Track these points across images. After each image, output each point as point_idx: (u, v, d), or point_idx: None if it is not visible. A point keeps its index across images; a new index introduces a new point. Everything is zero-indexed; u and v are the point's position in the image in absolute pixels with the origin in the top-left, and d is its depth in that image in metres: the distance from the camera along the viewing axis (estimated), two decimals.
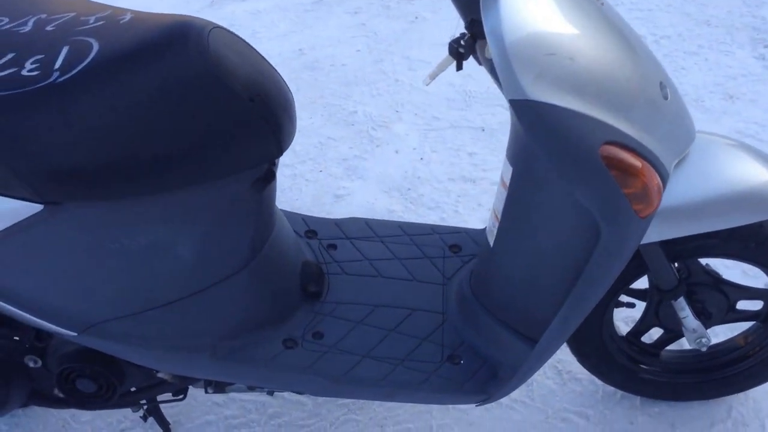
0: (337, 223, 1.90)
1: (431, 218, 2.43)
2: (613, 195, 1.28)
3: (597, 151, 1.24)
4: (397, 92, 2.92)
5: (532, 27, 1.22)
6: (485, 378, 1.61)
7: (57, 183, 1.30)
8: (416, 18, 3.26)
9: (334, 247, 1.84)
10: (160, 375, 1.65)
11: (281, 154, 1.43)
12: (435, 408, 1.93)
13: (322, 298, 1.72)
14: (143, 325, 1.50)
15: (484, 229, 1.91)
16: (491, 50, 1.22)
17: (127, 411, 1.93)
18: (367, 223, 1.92)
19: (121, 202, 1.36)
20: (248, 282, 1.56)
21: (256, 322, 1.61)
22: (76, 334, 1.49)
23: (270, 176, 1.47)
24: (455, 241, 1.89)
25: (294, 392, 1.74)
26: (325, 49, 3.17)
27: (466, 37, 1.32)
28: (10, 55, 1.31)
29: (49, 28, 1.37)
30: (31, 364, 1.64)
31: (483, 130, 2.77)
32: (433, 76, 1.44)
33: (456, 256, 1.86)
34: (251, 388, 1.73)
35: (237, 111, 1.34)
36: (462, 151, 2.70)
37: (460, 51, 1.32)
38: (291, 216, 1.89)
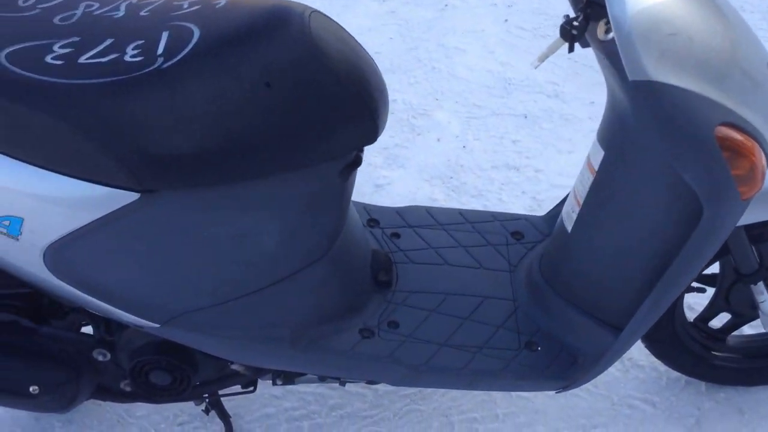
0: (398, 212, 1.89)
1: (474, 207, 2.41)
2: (722, 177, 1.28)
3: (712, 132, 1.24)
4: (436, 80, 2.90)
5: (655, 7, 1.22)
6: (565, 364, 1.60)
7: (158, 170, 1.28)
8: (446, 6, 3.23)
9: (397, 235, 1.83)
10: (233, 367, 1.62)
11: (376, 140, 1.41)
12: (499, 396, 1.92)
13: (392, 288, 1.70)
14: (225, 315, 1.48)
15: (544, 216, 1.90)
16: (614, 30, 1.22)
17: (184, 405, 1.91)
18: (428, 211, 1.91)
19: (216, 189, 1.34)
20: (327, 270, 1.54)
21: (333, 312, 1.59)
22: (158, 325, 1.46)
23: (358, 162, 1.46)
24: (517, 228, 1.87)
25: (367, 383, 1.72)
26: (356, 37, 3.13)
27: (579, 19, 1.30)
28: (108, 41, 1.29)
29: (142, 13, 1.35)
30: (100, 358, 1.61)
31: (526, 117, 2.76)
32: (542, 59, 1.43)
33: (519, 243, 1.84)
34: (322, 379, 1.71)
35: (338, 95, 1.33)
36: (506, 138, 2.68)
37: (572, 33, 1.31)
38: (353, 204, 1.87)
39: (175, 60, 1.25)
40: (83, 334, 1.61)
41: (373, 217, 1.86)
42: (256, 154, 1.32)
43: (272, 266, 1.47)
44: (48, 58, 1.27)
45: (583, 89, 2.90)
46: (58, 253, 1.36)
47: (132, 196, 1.31)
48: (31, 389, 1.55)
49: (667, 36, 1.24)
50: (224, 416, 1.82)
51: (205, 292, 1.46)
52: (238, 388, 1.73)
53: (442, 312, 1.68)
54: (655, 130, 1.31)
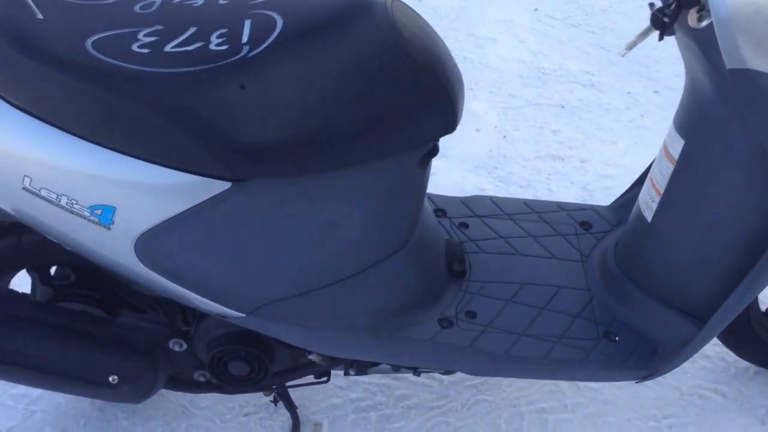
0: (464, 201, 1.88)
1: (525, 197, 2.40)
2: None
3: None
4: (468, 70, 2.88)
5: None
6: (646, 354, 1.59)
7: (249, 159, 1.27)
8: None
9: (465, 225, 1.81)
10: (309, 357, 1.61)
11: (455, 129, 1.41)
12: (567, 386, 1.91)
13: (466, 277, 1.69)
14: (310, 305, 1.47)
15: (610, 206, 1.88)
16: (713, 17, 1.21)
17: (249, 396, 1.89)
18: (492, 201, 1.90)
19: (304, 178, 1.33)
20: (408, 260, 1.54)
21: (412, 302, 1.58)
22: (243, 315, 1.45)
23: (435, 152, 1.45)
24: (584, 218, 1.86)
25: (443, 373, 1.71)
26: None
27: (671, 7, 1.29)
28: (192, 29, 1.28)
29: (221, 1, 1.33)
30: (177, 348, 1.60)
31: (563, 107, 2.75)
32: (630, 47, 1.42)
33: (588, 233, 1.83)
34: (396, 369, 1.70)
35: (421, 84, 1.33)
36: (545, 128, 2.67)
37: (664, 21, 1.30)
38: None
39: (261, 48, 1.24)
40: (160, 324, 1.60)
41: (440, 207, 1.85)
42: (344, 143, 1.31)
43: (357, 255, 1.46)
44: (134, 47, 1.25)
45: (619, 79, 2.89)
46: (149, 243, 1.34)
47: (223, 185, 1.29)
48: (110, 379, 1.54)
49: (765, 24, 1.23)
50: (291, 407, 1.81)
51: (291, 281, 1.45)
52: (309, 378, 1.73)
53: (518, 302, 1.66)
54: (751, 119, 1.30)
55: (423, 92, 1.34)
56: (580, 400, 1.89)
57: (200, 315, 1.56)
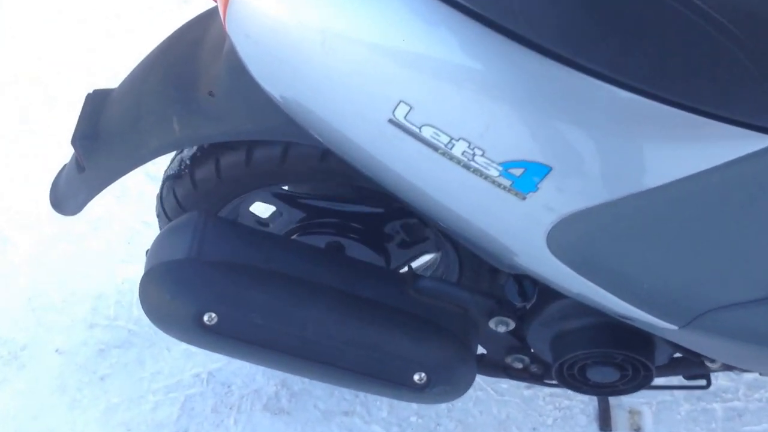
0: None
1: None
2: None
3: None
4: None
5: None
6: None
7: None
8: None
9: None
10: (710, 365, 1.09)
11: None
12: None
13: None
14: (759, 315, 0.92)
15: None
16: None
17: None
18: None
19: None
20: None
21: None
22: (676, 327, 0.91)
23: None
24: None
25: None
26: None
27: None
28: None
29: None
30: (501, 328, 1.07)
31: None
32: None
33: None
34: None
35: None
36: None
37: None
38: None
39: None
40: (482, 294, 1.07)
41: None
42: None
43: None
44: None
45: None
46: (571, 225, 0.79)
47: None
48: (416, 378, 1.03)
49: None
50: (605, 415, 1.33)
51: (749, 282, 0.90)
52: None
53: None
54: None
55: None
56: None
57: (544, 288, 1.02)
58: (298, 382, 1.36)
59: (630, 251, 0.84)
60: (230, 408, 1.35)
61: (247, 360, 1.07)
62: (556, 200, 0.77)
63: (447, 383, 1.05)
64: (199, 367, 1.39)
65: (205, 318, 0.97)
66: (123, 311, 1.45)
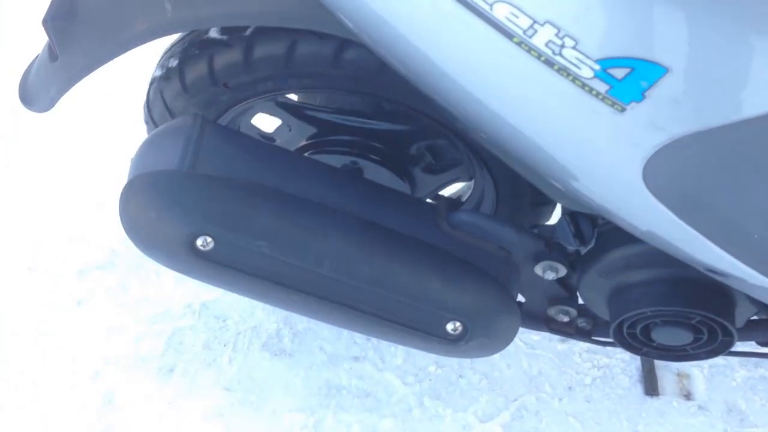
0: None
1: None
2: None
3: None
4: None
5: None
6: None
7: None
8: None
9: None
10: None
11: None
12: None
13: None
14: None
15: None
16: None
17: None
18: None
19: None
20: None
21: None
22: None
23: None
24: None
25: None
26: None
27: None
28: None
29: None
30: (549, 275, 0.90)
31: None
32: None
33: None
34: None
35: None
36: None
37: None
38: None
39: None
40: (527, 235, 0.90)
41: None
42: None
43: None
44: None
45: None
46: (677, 154, 0.61)
47: None
48: (449, 327, 0.86)
49: None
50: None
51: None
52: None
53: None
54: None
55: None
56: None
57: (604, 230, 0.85)
58: (303, 320, 1.20)
59: (747, 193, 0.65)
60: (224, 345, 1.18)
61: (247, 295, 0.90)
62: (667, 116, 0.58)
63: (485, 335, 0.89)
64: (190, 296, 1.22)
65: (199, 242, 0.80)
66: (107, 227, 1.28)
